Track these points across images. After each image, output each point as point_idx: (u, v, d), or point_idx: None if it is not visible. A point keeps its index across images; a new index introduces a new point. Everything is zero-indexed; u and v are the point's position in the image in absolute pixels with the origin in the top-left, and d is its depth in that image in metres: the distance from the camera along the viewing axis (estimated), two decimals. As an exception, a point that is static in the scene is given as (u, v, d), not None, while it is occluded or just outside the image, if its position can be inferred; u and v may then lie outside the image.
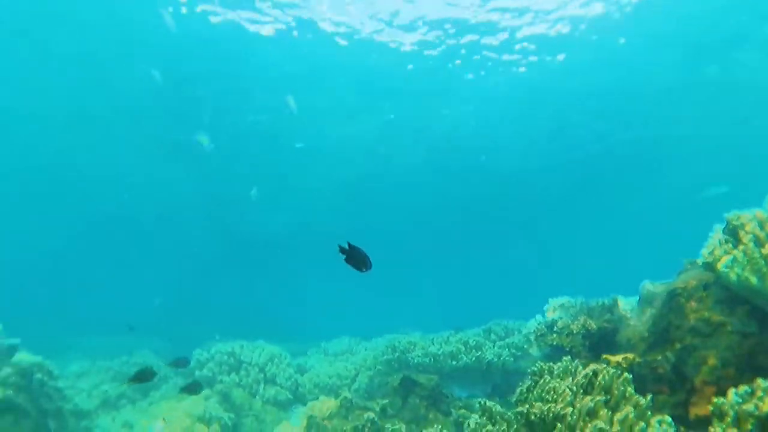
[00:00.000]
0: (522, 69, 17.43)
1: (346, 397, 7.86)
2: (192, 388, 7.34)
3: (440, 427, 7.22)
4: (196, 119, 20.44)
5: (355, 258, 3.86)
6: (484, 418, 5.26)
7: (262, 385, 10.87)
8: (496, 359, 10.16)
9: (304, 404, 11.13)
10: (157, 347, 16.92)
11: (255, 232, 32.12)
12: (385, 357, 10.81)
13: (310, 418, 7.79)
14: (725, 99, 18.90)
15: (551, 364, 5.60)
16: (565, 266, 41.36)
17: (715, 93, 18.49)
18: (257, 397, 10.66)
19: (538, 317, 9.25)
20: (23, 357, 8.62)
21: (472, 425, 5.49)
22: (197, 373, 11.02)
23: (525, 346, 9.75)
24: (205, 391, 10.35)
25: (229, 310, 31.77)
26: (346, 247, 3.95)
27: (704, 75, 17.34)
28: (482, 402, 5.47)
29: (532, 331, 8.76)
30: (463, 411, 8.03)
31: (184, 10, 14.98)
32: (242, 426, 9.85)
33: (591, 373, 4.14)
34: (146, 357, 14.52)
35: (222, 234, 33.04)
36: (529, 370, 5.80)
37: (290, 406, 10.89)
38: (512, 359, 10.33)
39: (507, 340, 11.13)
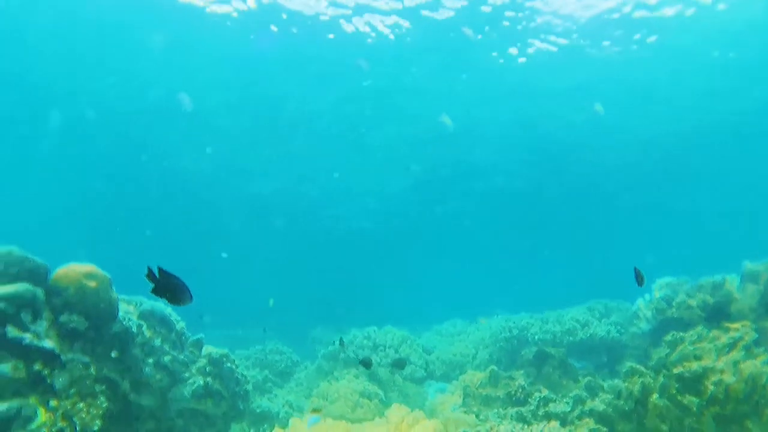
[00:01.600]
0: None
1: (493, 369, 9.46)
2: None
3: (578, 391, 8.80)
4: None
5: (639, 278, 5.11)
6: (636, 376, 6.78)
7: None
8: (605, 335, 11.66)
9: (436, 380, 12.89)
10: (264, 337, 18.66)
11: (354, 224, 33.95)
12: (503, 335, 12.45)
13: (466, 387, 9.45)
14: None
15: (682, 333, 7.13)
16: (636, 247, 41.88)
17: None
18: (396, 374, 12.39)
19: (647, 296, 10.62)
20: (211, 349, 10.39)
21: (624, 382, 7.06)
22: (341, 355, 12.81)
23: (634, 322, 11.13)
24: (353, 371, 12.17)
25: (333, 301, 33.77)
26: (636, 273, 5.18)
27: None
28: (631, 366, 7.01)
29: (644, 306, 10.18)
30: (589, 378, 9.51)
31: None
32: (390, 399, 11.55)
33: (738, 336, 5.59)
34: (278, 346, 16.36)
35: (319, 228, 34.87)
36: (664, 339, 7.32)
37: (424, 381, 12.59)
38: (618, 334, 11.82)
39: (612, 318, 12.62)
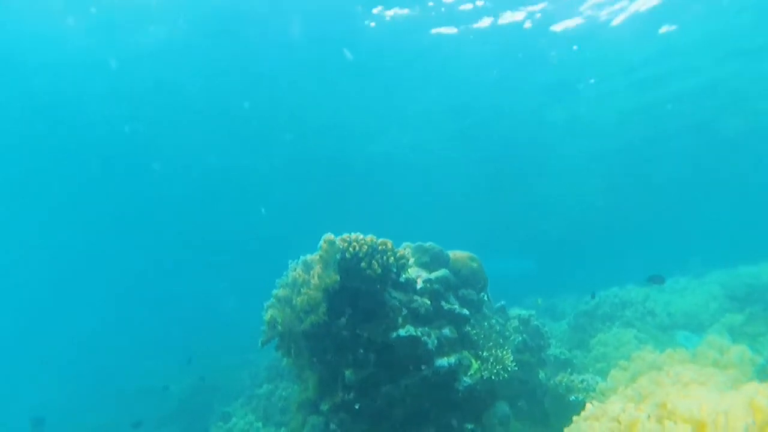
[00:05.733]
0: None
1: (752, 311, 12.61)
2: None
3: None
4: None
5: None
6: None
7: (647, 316, 15.89)
8: (825, 278, 14.35)
9: (680, 328, 15.99)
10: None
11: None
12: (734, 282, 15.37)
13: (731, 328, 12.66)
14: None
15: None
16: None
17: None
18: (647, 324, 15.66)
19: None
20: (518, 311, 13.16)
21: None
22: (599, 311, 16.21)
23: None
24: (617, 322, 15.54)
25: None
26: None
27: None
28: None
29: None
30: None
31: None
32: (647, 343, 14.81)
33: None
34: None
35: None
36: None
37: (669, 329, 15.74)
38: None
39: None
